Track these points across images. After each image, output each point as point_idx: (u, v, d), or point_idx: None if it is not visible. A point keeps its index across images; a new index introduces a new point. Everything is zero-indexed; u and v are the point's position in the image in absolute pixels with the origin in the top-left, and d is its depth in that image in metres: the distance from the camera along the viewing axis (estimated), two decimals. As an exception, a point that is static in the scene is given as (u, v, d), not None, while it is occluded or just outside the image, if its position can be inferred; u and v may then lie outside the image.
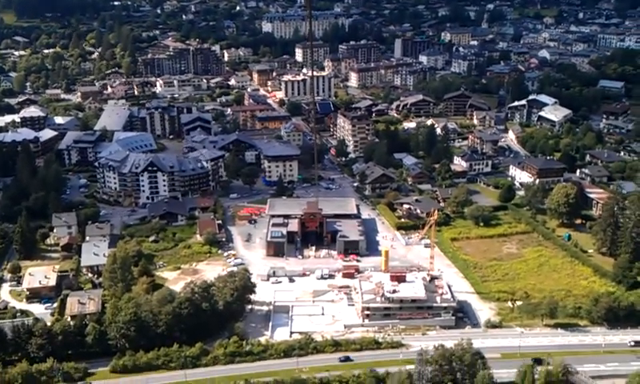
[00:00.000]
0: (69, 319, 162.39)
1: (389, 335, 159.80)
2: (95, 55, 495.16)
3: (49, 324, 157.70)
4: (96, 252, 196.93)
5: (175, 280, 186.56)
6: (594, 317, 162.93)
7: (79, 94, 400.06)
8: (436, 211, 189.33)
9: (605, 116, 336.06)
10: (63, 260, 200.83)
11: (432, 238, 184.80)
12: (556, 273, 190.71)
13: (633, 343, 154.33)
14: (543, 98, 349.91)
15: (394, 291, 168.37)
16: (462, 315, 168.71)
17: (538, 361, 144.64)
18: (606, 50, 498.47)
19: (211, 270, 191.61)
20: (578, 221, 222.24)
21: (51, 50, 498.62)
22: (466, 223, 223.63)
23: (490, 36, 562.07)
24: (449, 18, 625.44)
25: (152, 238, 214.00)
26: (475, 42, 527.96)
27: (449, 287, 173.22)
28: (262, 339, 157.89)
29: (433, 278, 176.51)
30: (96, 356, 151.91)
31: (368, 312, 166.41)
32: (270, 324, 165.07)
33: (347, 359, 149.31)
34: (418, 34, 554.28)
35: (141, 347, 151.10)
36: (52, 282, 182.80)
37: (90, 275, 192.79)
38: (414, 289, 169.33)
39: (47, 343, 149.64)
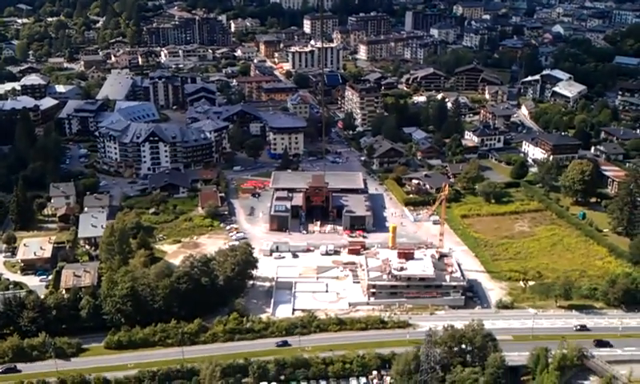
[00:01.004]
0: (63, 292, 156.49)
1: (395, 314, 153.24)
2: (99, 24, 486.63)
3: (42, 297, 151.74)
4: (94, 223, 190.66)
5: (175, 253, 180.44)
6: (611, 299, 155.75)
7: (82, 63, 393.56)
8: (447, 186, 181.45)
9: (620, 92, 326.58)
10: (60, 231, 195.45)
11: (442, 214, 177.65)
12: (570, 252, 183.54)
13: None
14: (557, 73, 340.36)
15: (402, 269, 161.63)
16: (472, 295, 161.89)
17: (600, 343, 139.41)
18: (621, 26, 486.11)
19: (212, 244, 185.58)
20: (593, 199, 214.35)
21: (55, 18, 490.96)
22: (477, 200, 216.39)
23: (503, 10, 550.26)
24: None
25: (152, 210, 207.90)
26: (488, 16, 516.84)
27: (458, 265, 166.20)
28: (264, 316, 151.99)
29: (442, 256, 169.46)
30: (90, 331, 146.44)
31: (374, 290, 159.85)
32: (272, 301, 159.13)
33: (285, 344, 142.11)
34: (429, 8, 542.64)
35: (137, 323, 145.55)
36: (47, 253, 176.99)
37: (87, 247, 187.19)
38: (422, 266, 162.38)
39: (40, 317, 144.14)
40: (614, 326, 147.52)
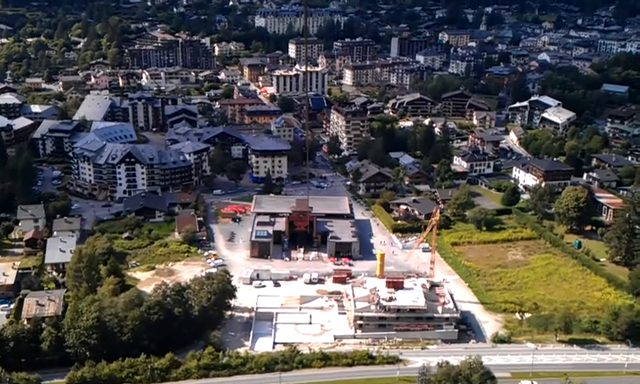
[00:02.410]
0: (25, 322, 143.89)
1: (384, 349, 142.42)
2: (80, 45, 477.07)
3: (0, 327, 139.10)
4: (62, 248, 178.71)
5: (148, 281, 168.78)
6: (614, 333, 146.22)
7: (61, 83, 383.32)
8: (438, 212, 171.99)
9: (610, 119, 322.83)
10: (27, 256, 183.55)
11: (433, 241, 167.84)
12: (567, 282, 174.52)
13: None
14: (546, 99, 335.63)
15: (391, 299, 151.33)
16: (466, 328, 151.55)
17: None
18: (606, 55, 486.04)
19: (189, 271, 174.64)
20: (588, 227, 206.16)
21: (35, 39, 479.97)
22: (468, 227, 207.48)
23: (489, 38, 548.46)
24: (446, 21, 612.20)
25: (125, 235, 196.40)
26: (473, 44, 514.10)
27: (451, 296, 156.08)
28: (242, 350, 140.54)
29: (433, 286, 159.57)
30: (52, 366, 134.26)
31: (361, 322, 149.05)
32: (251, 333, 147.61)
33: None
34: (415, 34, 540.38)
35: (103, 357, 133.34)
36: (10, 280, 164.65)
37: (54, 274, 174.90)
38: (412, 297, 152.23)
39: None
40: (619, 363, 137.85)
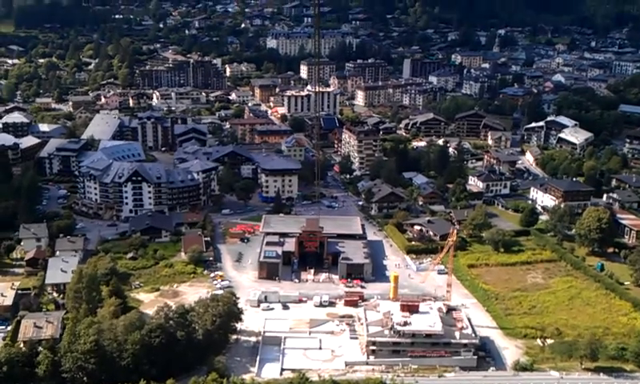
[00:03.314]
0: (21, 345, 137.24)
1: (398, 376, 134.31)
2: (91, 66, 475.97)
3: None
4: (64, 268, 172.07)
5: (152, 303, 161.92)
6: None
7: (70, 103, 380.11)
8: (455, 232, 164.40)
9: (628, 140, 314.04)
10: (27, 276, 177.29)
11: (450, 262, 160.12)
12: (590, 307, 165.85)
13: None
14: (562, 119, 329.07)
15: (405, 323, 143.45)
16: (485, 354, 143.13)
17: None
18: (622, 76, 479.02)
19: (194, 293, 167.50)
20: (610, 249, 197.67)
21: (46, 60, 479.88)
22: (485, 248, 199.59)
23: (502, 59, 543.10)
24: (458, 43, 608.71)
25: (130, 255, 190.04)
26: (487, 65, 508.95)
27: (469, 320, 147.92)
28: (247, 377, 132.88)
29: (450, 310, 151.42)
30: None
31: (374, 347, 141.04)
32: (258, 359, 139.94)
33: None
34: (428, 56, 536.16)
35: (101, 382, 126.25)
36: (8, 300, 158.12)
37: (55, 294, 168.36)
38: (428, 321, 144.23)
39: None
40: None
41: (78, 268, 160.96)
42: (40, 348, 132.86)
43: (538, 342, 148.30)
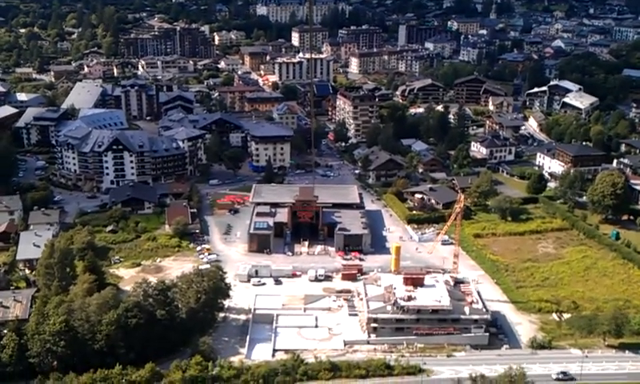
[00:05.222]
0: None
1: (403, 356, 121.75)
2: (74, 36, 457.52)
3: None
4: (37, 243, 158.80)
5: (133, 279, 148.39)
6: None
7: (52, 73, 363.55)
8: (463, 197, 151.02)
9: (635, 104, 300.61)
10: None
11: (457, 231, 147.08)
12: (607, 278, 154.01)
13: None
14: (566, 83, 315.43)
15: (409, 298, 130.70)
16: (497, 331, 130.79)
17: None
18: (622, 42, 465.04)
19: (179, 268, 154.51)
20: (625, 216, 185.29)
21: (27, 29, 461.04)
22: (491, 217, 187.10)
23: (500, 26, 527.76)
24: (454, 10, 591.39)
25: (109, 228, 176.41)
26: (484, 32, 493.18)
27: (479, 294, 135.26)
28: (236, 359, 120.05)
29: (457, 283, 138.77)
30: (13, 378, 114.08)
31: (375, 325, 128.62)
32: (248, 339, 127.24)
33: None
34: (424, 22, 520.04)
35: (72, 368, 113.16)
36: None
37: (27, 271, 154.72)
38: (434, 295, 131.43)
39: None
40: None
41: (49, 241, 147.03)
42: (5, 330, 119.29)
43: (554, 316, 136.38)
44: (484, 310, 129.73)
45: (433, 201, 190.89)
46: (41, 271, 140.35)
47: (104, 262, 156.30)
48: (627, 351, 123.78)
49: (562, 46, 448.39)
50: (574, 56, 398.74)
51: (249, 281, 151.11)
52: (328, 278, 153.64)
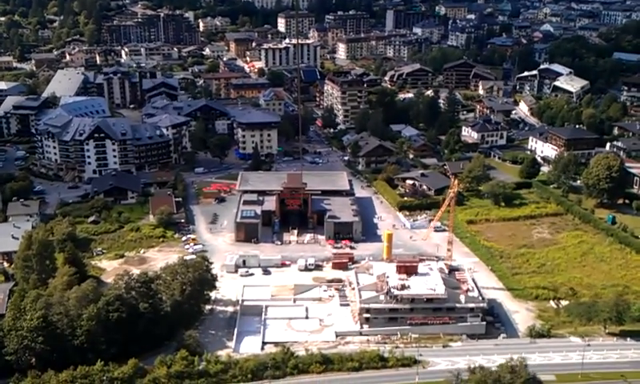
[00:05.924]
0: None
1: (398, 348, 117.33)
2: (56, 24, 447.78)
3: None
4: (16, 234, 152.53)
5: (115, 271, 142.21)
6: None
7: (33, 61, 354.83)
8: (457, 182, 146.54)
9: (626, 87, 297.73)
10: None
11: (451, 217, 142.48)
12: (605, 263, 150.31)
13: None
14: (557, 67, 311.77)
15: (403, 287, 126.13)
16: (493, 319, 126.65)
17: None
18: (611, 26, 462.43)
19: (164, 259, 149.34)
20: (620, 200, 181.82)
21: (7, 17, 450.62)
22: (484, 203, 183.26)
23: (488, 10, 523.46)
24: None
25: (91, 219, 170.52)
26: (472, 16, 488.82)
27: (474, 282, 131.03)
28: (223, 353, 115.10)
29: (452, 270, 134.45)
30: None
31: (368, 315, 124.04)
32: (235, 331, 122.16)
33: None
34: (411, 8, 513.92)
35: (51, 365, 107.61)
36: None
37: (5, 264, 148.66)
38: (429, 283, 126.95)
39: None
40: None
41: (26, 233, 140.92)
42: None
43: (552, 303, 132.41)
44: (480, 298, 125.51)
45: (424, 187, 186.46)
46: (18, 264, 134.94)
47: (86, 254, 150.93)
48: (629, 339, 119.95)
49: (551, 30, 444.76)
50: (564, 40, 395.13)
51: (236, 271, 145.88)
52: (318, 267, 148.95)
